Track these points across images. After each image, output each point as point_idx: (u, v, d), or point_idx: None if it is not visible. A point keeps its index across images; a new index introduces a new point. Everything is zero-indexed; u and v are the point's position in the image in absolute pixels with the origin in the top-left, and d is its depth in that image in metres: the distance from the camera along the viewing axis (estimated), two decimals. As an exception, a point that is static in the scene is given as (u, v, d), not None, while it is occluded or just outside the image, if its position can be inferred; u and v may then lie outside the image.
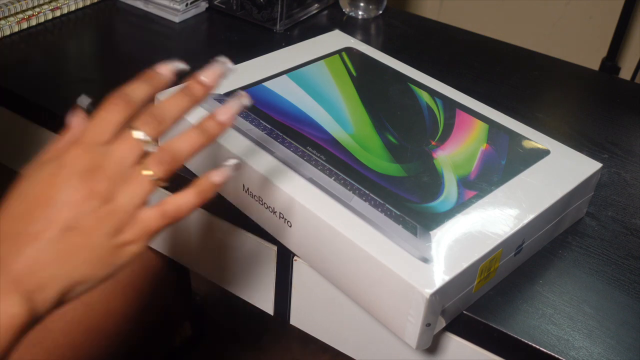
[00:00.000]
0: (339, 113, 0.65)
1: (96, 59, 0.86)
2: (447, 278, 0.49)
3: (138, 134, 0.41)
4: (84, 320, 0.69)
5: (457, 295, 0.52)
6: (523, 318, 0.54)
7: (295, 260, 0.64)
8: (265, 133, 0.61)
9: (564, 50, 1.21)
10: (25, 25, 0.87)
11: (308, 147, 0.60)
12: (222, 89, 0.66)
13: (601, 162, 0.63)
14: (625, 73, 1.20)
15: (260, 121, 0.63)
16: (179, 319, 0.81)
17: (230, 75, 0.45)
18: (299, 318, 0.68)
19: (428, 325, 0.50)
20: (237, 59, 0.72)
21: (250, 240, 0.65)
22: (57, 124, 0.74)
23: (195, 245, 0.72)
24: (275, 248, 0.64)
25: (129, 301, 0.73)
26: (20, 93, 0.75)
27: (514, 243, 0.55)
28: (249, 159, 0.58)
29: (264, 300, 0.69)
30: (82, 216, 0.40)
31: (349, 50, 0.75)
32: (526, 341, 0.52)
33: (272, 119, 0.63)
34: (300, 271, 0.64)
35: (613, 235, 0.63)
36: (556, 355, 0.52)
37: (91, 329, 0.69)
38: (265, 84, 0.68)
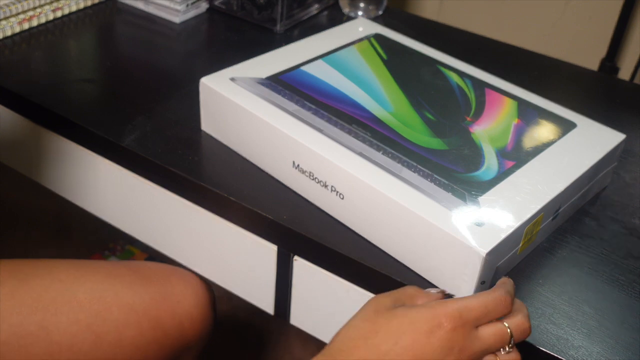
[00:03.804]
0: (376, 93, 0.68)
1: (96, 59, 0.86)
2: (501, 237, 0.53)
3: (509, 334, 0.46)
4: (92, 350, 0.66)
5: (506, 256, 0.56)
6: (522, 318, 0.54)
7: (295, 260, 0.64)
8: (311, 113, 0.64)
9: (563, 50, 1.21)
10: (26, 26, 0.87)
11: (353, 125, 0.63)
12: (263, 73, 0.70)
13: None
14: (625, 73, 1.20)
15: (305, 102, 0.66)
16: (198, 349, 0.78)
17: None
18: (299, 318, 0.68)
19: (482, 283, 0.54)
20: (237, 59, 0.72)
21: (250, 240, 0.65)
22: (57, 124, 0.74)
23: (195, 245, 0.72)
24: (275, 248, 0.64)
25: (143, 332, 0.70)
26: (21, 93, 0.75)
27: (553, 208, 0.59)
28: (299, 136, 0.61)
29: (264, 300, 0.69)
30: None
31: (377, 36, 0.78)
32: (526, 340, 0.52)
33: (315, 100, 0.66)
34: (300, 271, 0.64)
35: (613, 235, 0.63)
36: (556, 355, 0.52)
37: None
38: (303, 68, 0.71)
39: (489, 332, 0.46)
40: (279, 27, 0.91)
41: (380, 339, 0.44)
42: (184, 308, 0.72)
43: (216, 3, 0.96)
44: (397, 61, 0.74)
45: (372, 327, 0.45)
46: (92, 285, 0.68)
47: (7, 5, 0.84)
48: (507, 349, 0.46)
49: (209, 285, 0.75)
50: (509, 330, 0.46)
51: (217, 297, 0.83)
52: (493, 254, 0.53)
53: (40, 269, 0.68)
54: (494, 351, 0.46)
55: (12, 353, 0.62)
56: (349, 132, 0.62)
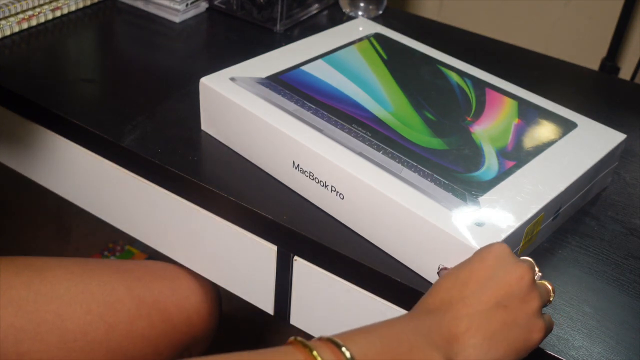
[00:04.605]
0: (376, 93, 0.68)
1: (96, 59, 0.86)
2: (501, 237, 0.53)
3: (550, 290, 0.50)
4: (105, 340, 0.68)
5: None
6: (523, 318, 0.54)
7: (295, 260, 0.64)
8: (311, 113, 0.64)
9: (564, 50, 1.21)
10: (25, 26, 0.87)
11: (353, 125, 0.63)
12: (263, 73, 0.70)
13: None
14: (625, 73, 1.20)
15: (305, 102, 0.66)
16: (205, 344, 0.80)
17: None
18: (299, 318, 0.68)
19: None
20: (237, 59, 0.72)
21: (250, 240, 0.65)
22: (56, 124, 0.74)
23: (195, 245, 0.72)
24: (275, 248, 0.64)
25: (154, 324, 0.72)
26: (20, 93, 0.75)
27: (553, 208, 0.59)
28: (299, 136, 0.61)
29: (264, 300, 0.69)
30: (512, 297, 0.45)
31: (377, 36, 0.78)
32: (526, 341, 0.52)
33: (315, 100, 0.66)
34: (300, 271, 0.64)
35: (613, 235, 0.63)
36: (556, 355, 0.52)
37: (112, 349, 0.68)
38: (303, 67, 0.71)
39: (541, 284, 0.49)
40: (278, 27, 0.91)
41: (461, 270, 0.47)
42: (191, 303, 0.75)
43: (216, 3, 0.95)
44: (397, 61, 0.74)
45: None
46: (103, 278, 0.70)
47: (6, 4, 0.84)
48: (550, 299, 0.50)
49: (214, 284, 0.76)
50: (550, 287, 0.50)
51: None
52: None
53: (52, 263, 0.70)
54: (545, 304, 0.49)
55: (29, 340, 0.64)
56: (349, 132, 0.62)
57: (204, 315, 0.76)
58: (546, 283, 0.50)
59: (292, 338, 0.42)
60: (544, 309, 0.52)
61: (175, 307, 0.73)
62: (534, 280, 0.46)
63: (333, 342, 0.41)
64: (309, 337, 0.68)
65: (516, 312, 0.45)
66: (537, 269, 0.50)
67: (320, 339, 0.42)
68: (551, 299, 0.49)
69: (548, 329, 0.48)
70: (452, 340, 0.43)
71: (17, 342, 0.63)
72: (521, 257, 0.50)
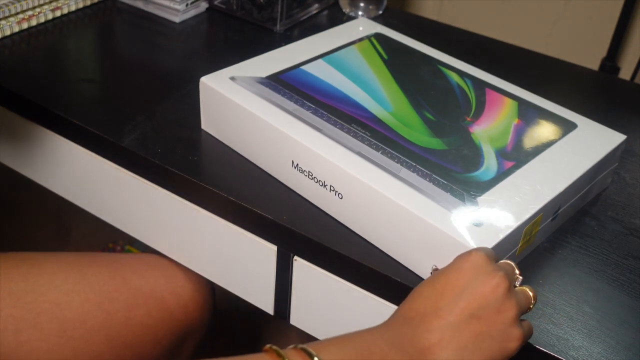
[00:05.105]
0: (376, 93, 0.68)
1: (96, 59, 0.86)
2: (499, 238, 0.53)
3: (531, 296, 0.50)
4: (104, 328, 0.69)
5: (504, 256, 0.56)
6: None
7: (295, 260, 0.64)
8: (311, 112, 0.64)
9: (564, 50, 1.21)
10: (25, 26, 0.87)
11: (353, 125, 0.63)
12: (263, 73, 0.70)
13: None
14: (625, 73, 1.20)
15: (304, 101, 0.66)
16: (201, 333, 0.81)
17: None
18: (299, 318, 0.68)
19: None
20: (237, 59, 0.72)
21: (250, 240, 0.65)
22: (56, 124, 0.74)
23: (195, 245, 0.72)
24: (275, 248, 0.64)
25: (151, 312, 0.73)
26: (20, 93, 0.75)
27: (552, 209, 0.59)
28: (298, 135, 0.61)
29: (264, 300, 0.69)
30: (486, 308, 0.45)
31: (378, 36, 0.78)
32: (526, 341, 0.52)
33: (315, 99, 0.66)
34: (300, 271, 0.64)
35: (613, 235, 0.63)
36: (556, 355, 0.52)
37: (112, 337, 0.69)
38: (303, 67, 0.71)
39: (521, 292, 0.49)
40: (278, 27, 0.91)
41: (438, 280, 0.47)
42: (187, 292, 0.76)
43: (216, 3, 0.95)
44: (397, 61, 0.74)
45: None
46: (100, 269, 0.72)
47: (6, 4, 0.84)
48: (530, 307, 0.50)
49: (211, 286, 0.77)
50: (531, 293, 0.49)
51: (217, 297, 0.83)
52: None
53: (50, 257, 0.71)
54: (524, 312, 0.48)
55: (28, 330, 0.65)
56: (348, 132, 0.62)
57: (199, 303, 0.77)
58: (527, 289, 0.49)
59: (267, 346, 0.43)
60: (528, 314, 0.52)
61: (172, 296, 0.75)
62: (509, 289, 0.46)
63: (306, 352, 0.42)
64: (309, 337, 0.68)
65: (490, 323, 0.45)
66: (517, 272, 0.49)
67: (295, 347, 0.43)
68: (531, 306, 0.49)
69: (526, 337, 0.47)
70: (425, 352, 0.44)
71: (17, 332, 0.64)
72: (501, 262, 0.50)
